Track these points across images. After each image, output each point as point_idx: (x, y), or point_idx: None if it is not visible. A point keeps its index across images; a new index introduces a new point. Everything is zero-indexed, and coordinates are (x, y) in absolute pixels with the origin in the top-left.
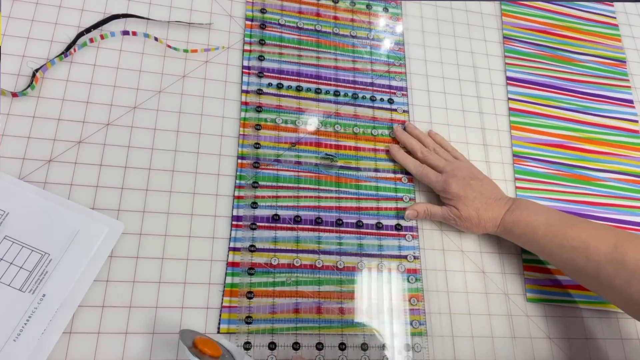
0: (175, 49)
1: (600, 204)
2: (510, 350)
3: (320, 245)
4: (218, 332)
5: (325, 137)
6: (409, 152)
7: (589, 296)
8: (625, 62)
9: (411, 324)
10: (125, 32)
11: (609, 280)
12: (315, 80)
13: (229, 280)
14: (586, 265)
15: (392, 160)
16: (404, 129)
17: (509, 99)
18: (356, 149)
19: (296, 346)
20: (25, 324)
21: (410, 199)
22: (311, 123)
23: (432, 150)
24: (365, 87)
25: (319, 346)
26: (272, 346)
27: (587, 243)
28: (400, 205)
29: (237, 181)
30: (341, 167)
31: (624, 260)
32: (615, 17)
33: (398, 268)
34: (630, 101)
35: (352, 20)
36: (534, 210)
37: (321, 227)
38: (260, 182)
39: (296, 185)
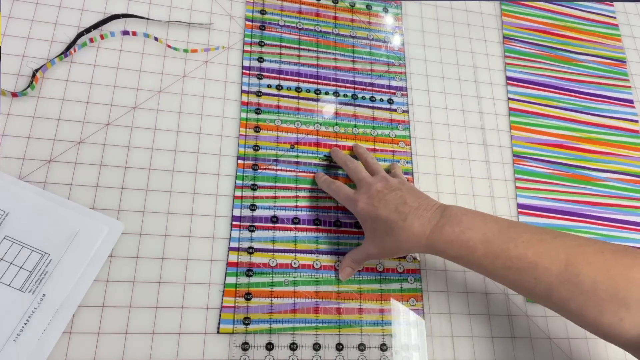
0: (175, 49)
1: (600, 204)
2: (510, 350)
3: (318, 246)
4: (218, 332)
5: (324, 138)
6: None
7: None
8: (625, 62)
9: (410, 324)
10: (125, 32)
11: (563, 303)
12: (314, 81)
13: (229, 280)
14: (536, 286)
15: (392, 160)
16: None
17: (509, 99)
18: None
19: (294, 347)
20: (25, 324)
21: None
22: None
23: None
24: (365, 87)
25: (317, 347)
26: (269, 347)
27: (534, 263)
28: None
29: (237, 181)
30: (341, 167)
31: (578, 280)
32: (615, 17)
33: (397, 268)
34: (630, 101)
35: (352, 20)
36: (468, 224)
37: (320, 228)
38: (259, 183)
39: (295, 185)
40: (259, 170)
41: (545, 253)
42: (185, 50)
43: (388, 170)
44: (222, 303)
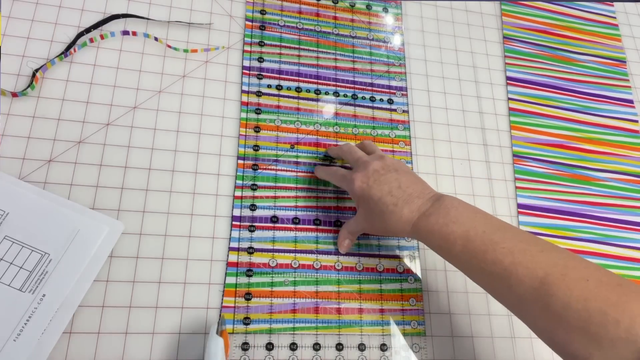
0: (175, 49)
1: (600, 204)
2: (510, 350)
3: (318, 246)
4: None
5: (324, 138)
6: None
7: None
8: (625, 62)
9: (410, 324)
10: (125, 32)
11: (532, 319)
12: (314, 81)
13: (229, 280)
14: (506, 295)
15: None
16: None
17: (509, 99)
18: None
19: (294, 347)
20: (25, 324)
21: None
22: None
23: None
24: (365, 87)
25: (317, 347)
26: (269, 347)
27: (509, 271)
28: None
29: (237, 181)
30: (340, 167)
31: (549, 302)
32: (615, 17)
33: (397, 268)
34: (630, 101)
35: (352, 20)
36: (454, 218)
37: (320, 228)
38: (259, 183)
39: (295, 185)
40: (259, 170)
41: (523, 265)
42: (185, 50)
43: None
44: (222, 303)
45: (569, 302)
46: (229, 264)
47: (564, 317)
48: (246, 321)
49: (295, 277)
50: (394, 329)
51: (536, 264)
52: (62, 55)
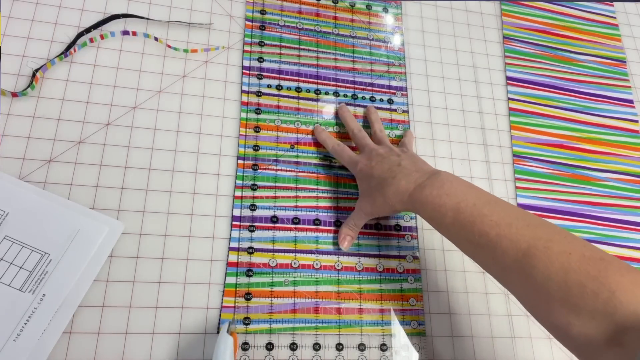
0: (175, 49)
1: (600, 204)
2: (510, 350)
3: (318, 246)
4: (218, 332)
5: None
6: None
7: None
8: (625, 62)
9: (410, 324)
10: (125, 32)
11: (515, 289)
12: (314, 81)
13: (229, 280)
14: (492, 266)
15: None
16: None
17: (509, 99)
18: (355, 149)
19: (294, 347)
20: (25, 324)
21: None
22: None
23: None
24: (365, 87)
25: (317, 347)
26: (269, 347)
27: (494, 243)
28: None
29: (237, 181)
30: (340, 167)
31: (530, 273)
32: (615, 17)
33: (397, 268)
34: (630, 101)
35: (352, 20)
36: (447, 190)
37: (320, 228)
38: (259, 183)
39: (295, 185)
40: (259, 170)
41: (508, 237)
42: (185, 50)
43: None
44: (222, 303)
45: (549, 274)
46: (229, 264)
47: (544, 288)
48: (246, 321)
49: (295, 277)
50: (394, 329)
51: (520, 237)
52: (62, 55)
